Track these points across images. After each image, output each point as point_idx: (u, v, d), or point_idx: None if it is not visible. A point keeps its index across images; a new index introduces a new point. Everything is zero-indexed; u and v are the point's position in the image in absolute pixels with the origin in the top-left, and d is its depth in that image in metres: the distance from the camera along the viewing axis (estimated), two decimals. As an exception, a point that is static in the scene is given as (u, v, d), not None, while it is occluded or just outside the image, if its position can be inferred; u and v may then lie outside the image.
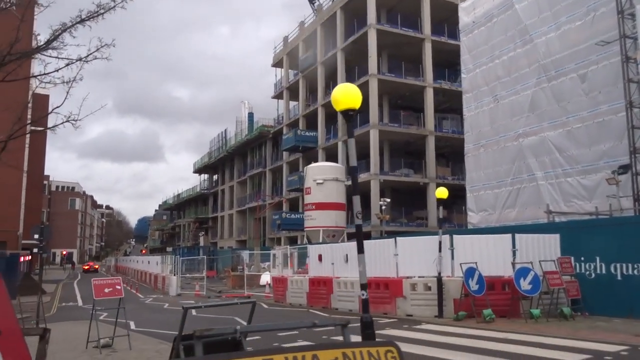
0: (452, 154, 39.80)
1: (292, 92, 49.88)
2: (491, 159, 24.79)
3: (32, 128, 8.46)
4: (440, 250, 14.26)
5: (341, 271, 17.43)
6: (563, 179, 20.83)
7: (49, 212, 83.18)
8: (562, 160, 20.91)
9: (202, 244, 61.21)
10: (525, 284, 13.17)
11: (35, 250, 19.00)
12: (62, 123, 8.24)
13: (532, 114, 22.39)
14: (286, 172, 49.11)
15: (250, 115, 60.61)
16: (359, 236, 5.92)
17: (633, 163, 17.22)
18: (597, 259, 13.96)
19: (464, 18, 26.96)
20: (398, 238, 15.48)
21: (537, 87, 22.12)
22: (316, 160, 40.00)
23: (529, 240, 14.28)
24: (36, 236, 14.90)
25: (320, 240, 30.43)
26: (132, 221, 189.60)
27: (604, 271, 13.81)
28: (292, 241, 45.36)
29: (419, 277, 14.85)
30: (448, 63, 39.12)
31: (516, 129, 23.17)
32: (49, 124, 8.59)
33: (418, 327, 12.80)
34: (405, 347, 10.02)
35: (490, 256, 14.02)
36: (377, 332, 12.08)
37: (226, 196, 66.31)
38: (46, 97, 29.31)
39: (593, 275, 14.00)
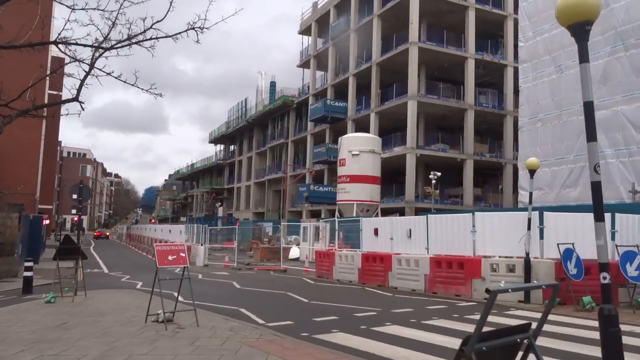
0: (488, 130, 38.07)
1: (320, 60, 47.87)
2: (550, 134, 23.05)
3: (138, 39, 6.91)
4: (529, 228, 12.72)
5: (402, 247, 15.98)
6: (638, 157, 19.12)
7: (59, 178, 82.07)
8: (638, 137, 19.18)
9: (220, 214, 59.94)
10: (632, 270, 11.68)
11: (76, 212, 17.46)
12: (185, 30, 6.60)
13: (603, 85, 20.55)
14: (311, 143, 47.47)
15: (272, 84, 58.71)
16: (598, 197, 4.35)
17: None
18: None
19: (524, -19, 24.94)
20: (477, 213, 13.94)
21: (612, 57, 20.26)
22: (344, 132, 38.30)
23: (629, 221, 12.72)
24: (74, 196, 13.42)
25: (354, 215, 28.97)
26: (139, 191, 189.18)
27: None
28: (315, 215, 44.00)
29: (500, 257, 13.34)
30: (490, 34, 37.10)
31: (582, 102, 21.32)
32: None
33: (510, 312, 11.36)
34: None
35: (585, 237, 12.41)
36: (465, 316, 10.72)
37: (243, 167, 64.85)
38: (62, 59, 27.61)
39: (702, 262, 12.42)
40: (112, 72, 7.37)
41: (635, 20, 19.30)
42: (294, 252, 30.12)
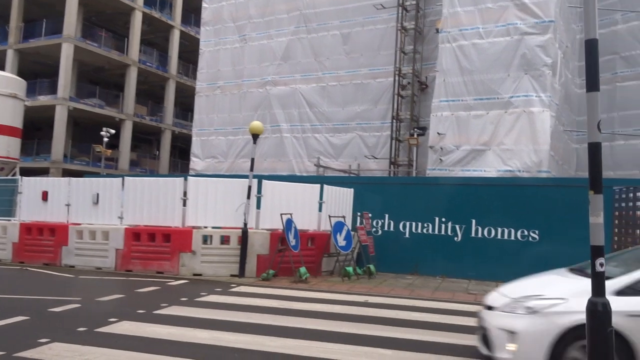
0: (149, 92, 35.80)
1: None
2: (228, 103, 22.79)
3: None
4: (249, 197, 11.78)
5: (85, 216, 12.84)
6: (310, 134, 20.63)
7: None
8: (312, 115, 20.65)
9: None
10: (341, 240, 12.11)
11: None
12: None
13: (284, 62, 21.39)
14: None
15: None
16: (596, 162, 3.41)
17: (395, 128, 18.18)
18: (387, 216, 13.95)
19: (213, -59, 23.83)
20: (190, 178, 12.17)
21: (294, 37, 21.21)
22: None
23: (332, 193, 13.19)
24: None
25: (-18, 173, 22.75)
26: None
27: (392, 229, 13.89)
28: None
29: (214, 227, 12.01)
30: (159, -11, 34.75)
31: (264, 75, 21.81)
32: None
33: (235, 289, 10.20)
34: (244, 317, 7.52)
35: (297, 207, 12.30)
36: (195, 299, 8.98)
37: None
38: None
39: (380, 232, 13.95)
40: None
41: (319, 6, 20.64)
42: None
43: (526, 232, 12.46)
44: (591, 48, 3.37)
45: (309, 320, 7.49)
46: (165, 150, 34.86)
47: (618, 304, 4.20)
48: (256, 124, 12.05)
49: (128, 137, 31.86)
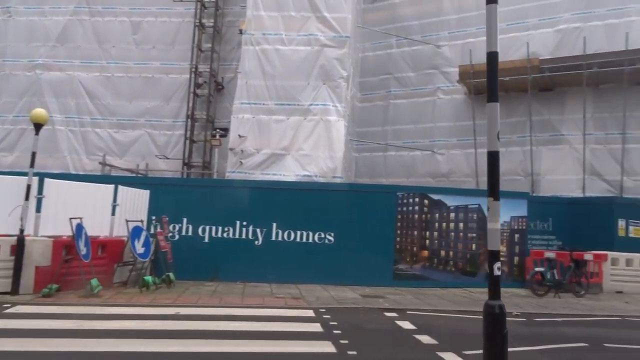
0: None
1: None
2: (-11, 86, 19.16)
3: None
4: (27, 198, 9.95)
5: None
6: (90, 128, 18.53)
7: None
8: (92, 107, 18.57)
9: None
10: (139, 247, 11.07)
11: None
12: None
13: (60, 45, 18.81)
14: None
15: None
16: (494, 171, 3.45)
17: (189, 128, 17.32)
18: (185, 220, 13.27)
19: None
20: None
21: (74, 17, 18.82)
22: None
23: (127, 194, 12.01)
24: None
25: None
26: None
27: (190, 233, 13.25)
28: None
29: (-22, 235, 9.85)
30: None
31: (34, 57, 18.85)
32: None
33: (11, 310, 8.49)
34: (39, 345, 6.40)
35: (87, 210, 10.85)
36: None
37: None
38: None
39: (177, 237, 13.18)
40: None
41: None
42: None
43: (323, 235, 13.08)
44: (492, 60, 3.54)
45: (122, 341, 6.56)
46: None
47: None
48: (39, 111, 10.30)
49: None
